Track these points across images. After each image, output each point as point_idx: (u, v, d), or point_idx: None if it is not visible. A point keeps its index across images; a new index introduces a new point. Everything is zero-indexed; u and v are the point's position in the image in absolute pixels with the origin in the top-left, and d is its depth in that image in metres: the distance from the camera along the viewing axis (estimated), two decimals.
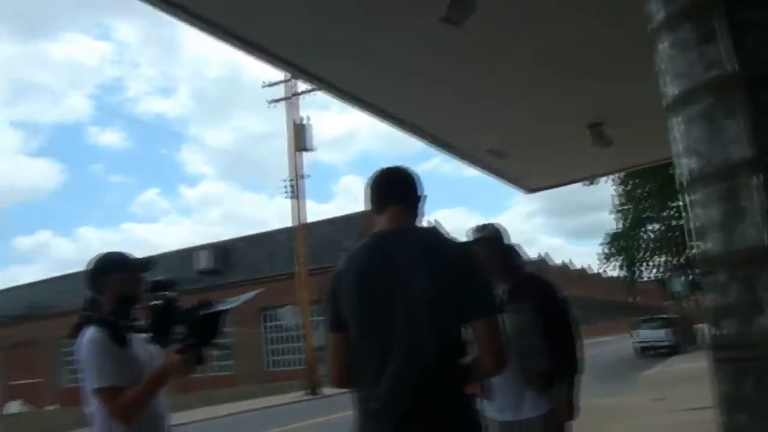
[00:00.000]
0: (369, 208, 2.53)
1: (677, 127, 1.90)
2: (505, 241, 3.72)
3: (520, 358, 3.36)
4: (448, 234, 2.44)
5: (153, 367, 2.71)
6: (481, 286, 2.29)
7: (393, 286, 2.24)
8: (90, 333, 2.66)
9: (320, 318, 25.15)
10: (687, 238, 1.94)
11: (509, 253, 3.70)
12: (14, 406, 22.51)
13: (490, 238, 3.65)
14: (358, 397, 2.32)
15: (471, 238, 3.65)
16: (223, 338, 2.65)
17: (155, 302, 2.61)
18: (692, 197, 1.85)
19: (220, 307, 2.59)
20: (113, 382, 2.58)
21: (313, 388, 23.55)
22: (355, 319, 2.30)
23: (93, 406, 2.65)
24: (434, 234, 2.46)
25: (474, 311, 2.22)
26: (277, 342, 32.64)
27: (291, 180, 26.43)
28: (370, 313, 2.27)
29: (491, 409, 3.52)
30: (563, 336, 3.64)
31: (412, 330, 2.20)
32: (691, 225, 1.87)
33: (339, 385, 2.48)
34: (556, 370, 3.56)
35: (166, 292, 2.64)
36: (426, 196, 2.52)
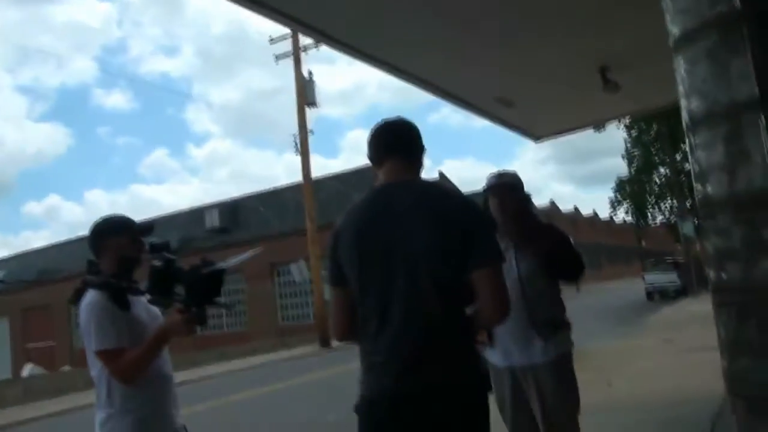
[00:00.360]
0: (370, 162, 2.50)
1: (682, 67, 1.85)
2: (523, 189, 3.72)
3: (528, 303, 3.38)
4: (452, 185, 2.42)
5: (154, 328, 2.72)
6: (483, 234, 2.26)
7: (392, 239, 2.23)
8: (90, 296, 2.67)
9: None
10: (693, 182, 1.90)
11: (526, 202, 3.68)
12: (26, 369, 22.86)
13: (508, 184, 3.65)
14: (361, 351, 2.32)
15: (489, 185, 3.66)
16: (223, 297, 2.65)
17: (154, 264, 2.60)
18: (696, 139, 1.81)
19: (221, 266, 2.58)
20: (114, 344, 2.60)
21: (324, 341, 23.80)
22: (355, 273, 2.29)
23: (96, 369, 2.68)
24: (434, 185, 2.43)
25: (476, 260, 2.20)
26: (288, 297, 32.92)
27: (296, 136, 26.18)
28: (370, 267, 2.26)
29: (494, 356, 3.54)
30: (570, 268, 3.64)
31: (413, 282, 2.19)
32: (695, 168, 1.83)
33: (341, 339, 2.48)
34: (562, 317, 3.58)
35: (165, 253, 2.63)
36: (425, 147, 2.49)
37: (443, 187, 2.46)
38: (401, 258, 2.21)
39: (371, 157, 2.48)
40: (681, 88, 1.86)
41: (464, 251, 2.19)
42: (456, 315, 2.24)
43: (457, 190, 2.44)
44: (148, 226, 2.92)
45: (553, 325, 3.47)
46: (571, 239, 3.76)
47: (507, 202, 3.58)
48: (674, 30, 1.87)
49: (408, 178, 2.38)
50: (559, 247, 3.58)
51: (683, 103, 1.85)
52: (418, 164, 2.46)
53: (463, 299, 2.26)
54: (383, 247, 2.24)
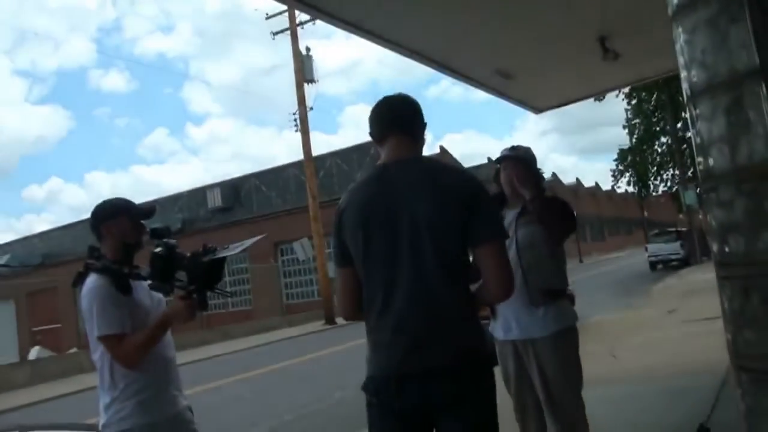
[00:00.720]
0: (371, 139, 2.49)
1: (681, 36, 1.82)
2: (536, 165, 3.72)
3: (525, 271, 3.37)
4: (453, 159, 2.41)
5: (157, 313, 2.72)
6: (487, 211, 2.26)
7: (396, 216, 2.22)
8: (92, 281, 2.67)
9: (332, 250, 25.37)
10: (695, 154, 1.88)
11: (537, 177, 3.67)
12: (33, 352, 22.98)
13: (521, 157, 3.66)
14: (367, 329, 2.33)
15: (502, 156, 3.69)
16: (226, 278, 2.66)
17: (156, 249, 2.60)
18: (697, 111, 1.78)
19: (222, 254, 2.57)
20: (116, 329, 2.60)
21: (329, 319, 23.89)
22: (360, 252, 2.28)
23: (98, 353, 2.68)
24: (437, 162, 2.44)
25: (479, 236, 2.21)
26: (292, 275, 33.04)
27: (295, 113, 26.01)
28: (374, 245, 2.25)
29: (496, 329, 3.54)
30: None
31: (418, 259, 2.19)
32: (697, 140, 1.81)
33: (349, 318, 2.49)
34: (562, 288, 3.56)
35: (167, 239, 2.63)
36: (426, 123, 2.47)
37: (446, 164, 2.47)
38: (405, 235, 2.21)
39: (373, 134, 2.47)
40: (680, 59, 1.83)
41: (468, 227, 2.19)
42: (461, 292, 2.25)
43: (460, 166, 2.42)
44: (150, 210, 2.91)
45: (549, 293, 3.45)
46: (574, 212, 3.75)
47: (519, 173, 3.57)
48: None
49: (410, 156, 2.36)
50: (558, 208, 3.57)
51: (683, 74, 1.82)
52: (420, 141, 2.45)
53: (468, 276, 2.27)
54: (387, 225, 2.23)
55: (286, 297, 33.05)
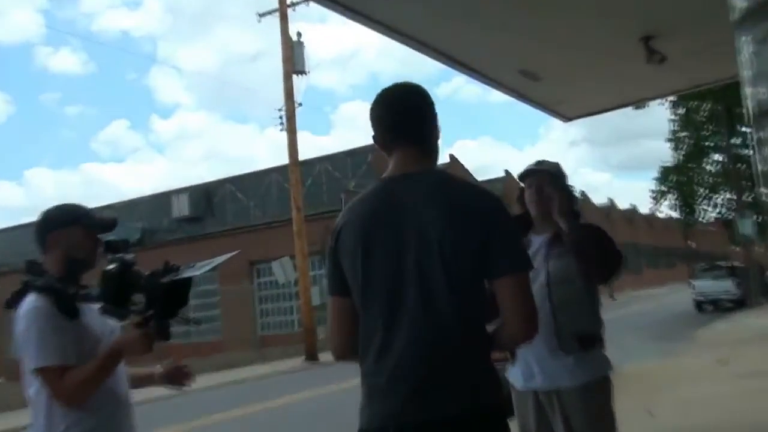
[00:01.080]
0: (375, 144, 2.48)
1: (748, 46, 1.82)
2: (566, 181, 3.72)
3: (555, 310, 3.35)
4: (465, 170, 2.40)
5: (109, 342, 2.69)
6: (508, 236, 2.26)
7: (402, 240, 2.22)
8: (31, 301, 2.63)
9: (320, 272, 25.36)
10: (755, 182, 1.88)
11: (568, 196, 3.66)
12: None
13: (547, 172, 3.66)
14: (362, 372, 2.31)
15: (526, 172, 3.71)
16: (191, 303, 2.62)
17: (109, 266, 2.57)
18: (763, 134, 1.79)
19: (187, 274, 2.55)
20: (57, 360, 2.56)
21: (310, 355, 23.77)
22: (358, 278, 2.27)
23: (33, 388, 2.64)
24: (451, 177, 2.43)
25: (498, 266, 2.20)
26: (270, 301, 32.95)
27: (281, 109, 26.01)
28: (375, 270, 2.25)
29: (514, 376, 3.53)
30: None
31: (426, 290, 2.18)
32: (760, 168, 1.81)
33: (341, 358, 2.47)
34: (597, 332, 3.54)
35: (122, 255, 2.60)
36: (437, 115, 2.46)
37: (460, 178, 2.46)
38: (412, 258, 2.20)
39: (376, 140, 2.46)
40: (745, 72, 1.83)
41: (485, 253, 2.19)
42: (474, 328, 2.24)
43: (476, 182, 2.43)
44: (110, 223, 2.89)
45: (584, 340, 3.44)
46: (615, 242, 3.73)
47: (548, 190, 3.56)
48: (739, 3, 1.84)
49: (418, 169, 2.35)
50: (601, 243, 3.54)
51: (748, 89, 1.82)
52: (431, 149, 2.44)
53: (484, 311, 2.26)
54: (392, 247, 2.23)
55: (260, 327, 32.94)
